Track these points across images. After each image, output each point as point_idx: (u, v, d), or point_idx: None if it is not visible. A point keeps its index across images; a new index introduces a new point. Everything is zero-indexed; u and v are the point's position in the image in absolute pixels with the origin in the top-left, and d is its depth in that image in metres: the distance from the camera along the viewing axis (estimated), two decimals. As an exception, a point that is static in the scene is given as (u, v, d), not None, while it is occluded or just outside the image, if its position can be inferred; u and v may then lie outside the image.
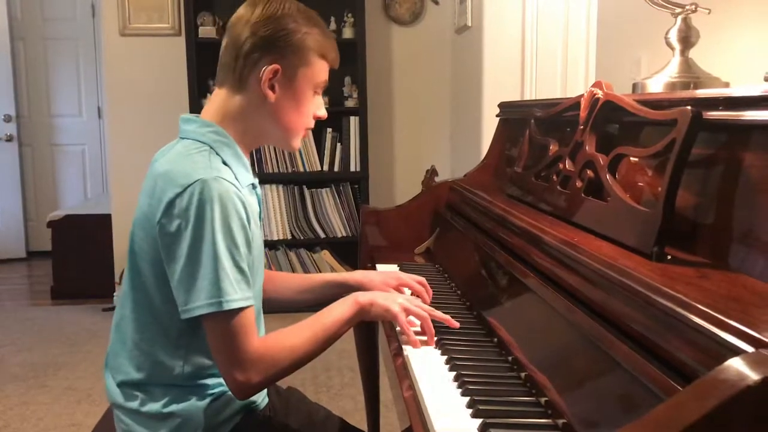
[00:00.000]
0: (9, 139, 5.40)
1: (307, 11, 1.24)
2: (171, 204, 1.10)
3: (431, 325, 1.24)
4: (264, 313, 1.36)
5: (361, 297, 1.27)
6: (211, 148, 1.18)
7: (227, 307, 1.09)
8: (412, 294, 1.45)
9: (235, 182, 1.15)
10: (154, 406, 1.19)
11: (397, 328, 1.28)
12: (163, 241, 1.12)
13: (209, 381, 1.22)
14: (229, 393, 1.23)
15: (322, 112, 1.29)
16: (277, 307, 1.53)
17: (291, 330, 1.19)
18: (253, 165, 4.15)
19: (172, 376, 1.20)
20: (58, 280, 4.37)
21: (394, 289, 1.44)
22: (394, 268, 1.81)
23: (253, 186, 1.29)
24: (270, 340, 1.16)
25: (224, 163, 1.17)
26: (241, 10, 1.23)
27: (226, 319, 1.09)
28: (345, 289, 1.47)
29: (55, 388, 2.96)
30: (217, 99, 1.24)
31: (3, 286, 4.78)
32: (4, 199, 5.44)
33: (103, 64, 4.51)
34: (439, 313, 1.27)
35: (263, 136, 1.28)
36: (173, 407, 1.19)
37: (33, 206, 5.64)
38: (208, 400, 1.21)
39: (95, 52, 5.50)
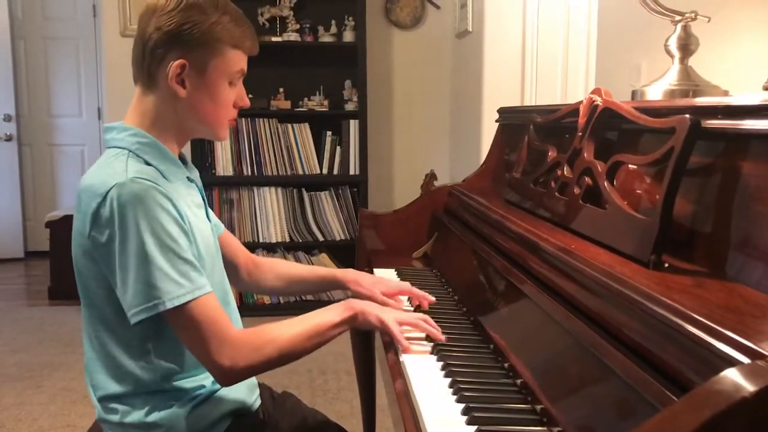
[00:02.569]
0: (8, 138, 5.39)
1: None
2: (96, 215, 1.08)
3: (431, 322, 1.25)
4: (244, 315, 1.35)
5: (355, 303, 1.26)
6: (131, 151, 1.15)
7: (171, 305, 1.06)
8: (410, 302, 1.46)
9: (158, 179, 1.12)
10: (136, 417, 1.17)
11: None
12: (98, 254, 1.10)
13: (186, 384, 1.19)
14: (213, 396, 1.21)
15: (245, 102, 1.24)
16: (259, 304, 1.55)
17: (278, 324, 1.18)
18: (252, 166, 4.08)
19: (146, 384, 1.17)
20: (56, 280, 4.36)
21: (383, 295, 1.43)
22: (391, 272, 1.81)
23: (190, 180, 1.26)
24: (254, 329, 1.15)
25: (147, 163, 1.15)
26: (150, 1, 1.18)
27: (184, 313, 1.07)
28: (333, 284, 1.50)
29: (51, 389, 2.95)
30: (135, 100, 1.21)
31: (1, 286, 4.77)
32: (2, 198, 5.43)
33: (103, 65, 4.51)
34: (430, 323, 1.26)
35: (186, 130, 1.23)
36: (155, 416, 1.16)
37: (31, 206, 5.63)
38: (189, 405, 1.18)
39: (96, 53, 5.50)
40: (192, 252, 1.12)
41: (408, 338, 1.24)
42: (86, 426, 2.35)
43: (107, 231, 1.07)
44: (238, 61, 1.20)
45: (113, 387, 1.18)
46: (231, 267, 1.45)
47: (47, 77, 5.58)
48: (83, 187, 1.13)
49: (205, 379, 1.22)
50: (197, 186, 1.29)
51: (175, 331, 1.10)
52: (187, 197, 1.21)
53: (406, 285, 1.47)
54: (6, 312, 4.14)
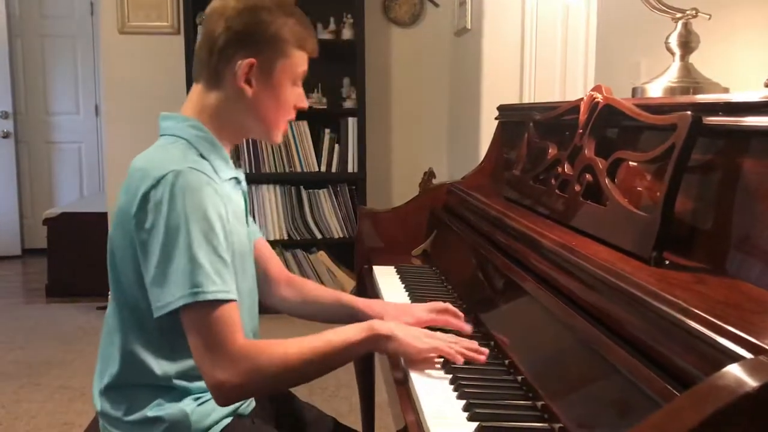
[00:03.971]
0: (6, 135, 5.38)
1: (282, 0, 1.21)
2: (145, 197, 1.08)
3: (472, 354, 1.13)
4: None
5: (379, 325, 1.16)
6: (188, 141, 1.16)
7: (202, 298, 1.04)
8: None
9: (212, 175, 1.13)
10: (139, 412, 1.15)
11: None
12: (139, 238, 1.09)
13: (195, 384, 1.18)
14: None
15: (304, 104, 1.25)
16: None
17: (289, 340, 1.11)
18: (250, 164, 4.09)
19: (157, 378, 1.16)
20: (53, 278, 4.35)
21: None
22: (391, 269, 1.81)
23: (237, 181, 1.26)
24: (261, 342, 1.10)
25: (201, 156, 1.15)
26: (216, 3, 1.20)
27: (203, 312, 1.05)
28: (352, 312, 1.37)
29: (48, 387, 2.95)
30: (194, 95, 1.22)
31: (-3, 284, 4.77)
32: (-1, 196, 5.43)
33: (101, 62, 4.51)
34: (470, 345, 1.15)
35: (243, 130, 1.25)
36: (159, 412, 1.15)
37: (29, 204, 5.62)
38: (195, 404, 1.17)
39: (93, 50, 5.49)
40: (229, 253, 1.11)
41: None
42: (84, 424, 2.35)
43: (153, 215, 1.07)
44: (302, 62, 1.22)
45: (121, 376, 1.17)
46: (263, 278, 1.40)
47: (45, 75, 5.57)
48: (136, 167, 1.13)
49: None
50: (243, 189, 1.29)
51: (185, 328, 1.07)
52: (233, 198, 1.21)
53: (437, 308, 1.33)
54: (3, 310, 4.13)
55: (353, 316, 1.36)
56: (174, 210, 1.05)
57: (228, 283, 1.08)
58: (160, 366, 1.16)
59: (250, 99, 1.19)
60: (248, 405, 1.29)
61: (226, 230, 1.11)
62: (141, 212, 1.08)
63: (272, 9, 1.18)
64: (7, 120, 5.38)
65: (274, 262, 1.45)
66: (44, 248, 4.53)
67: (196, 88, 1.22)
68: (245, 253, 1.24)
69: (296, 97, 1.24)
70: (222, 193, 1.13)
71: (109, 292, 1.20)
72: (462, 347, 1.14)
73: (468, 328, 1.28)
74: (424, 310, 1.33)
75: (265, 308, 1.37)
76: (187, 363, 1.16)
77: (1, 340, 3.55)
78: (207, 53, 1.19)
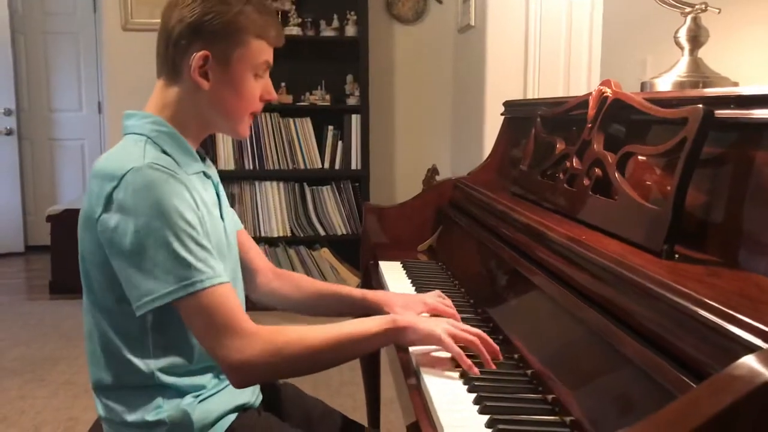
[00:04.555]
0: (8, 132, 5.38)
1: None
2: (109, 199, 1.05)
3: (491, 341, 1.12)
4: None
5: (400, 318, 1.15)
6: (149, 138, 1.13)
7: (192, 289, 1.02)
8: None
9: (175, 169, 1.10)
10: (139, 416, 1.13)
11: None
12: (104, 238, 1.06)
13: (190, 380, 1.16)
14: (217, 394, 1.18)
15: (271, 95, 1.22)
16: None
17: (306, 327, 1.09)
18: (254, 160, 4.07)
19: (148, 379, 1.13)
20: (57, 274, 4.36)
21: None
22: (396, 265, 1.81)
23: (206, 175, 1.23)
24: (275, 327, 1.08)
25: (164, 152, 1.12)
26: None
27: (199, 301, 1.03)
28: (360, 305, 1.36)
29: (53, 383, 2.95)
30: (156, 91, 1.19)
31: (1, 281, 4.76)
32: (2, 193, 5.41)
33: (103, 59, 4.51)
34: (487, 341, 1.13)
35: (207, 124, 1.21)
36: (159, 415, 1.12)
37: (32, 201, 5.62)
38: (196, 401, 1.15)
39: (96, 47, 5.49)
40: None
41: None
42: (89, 419, 2.36)
43: (119, 216, 1.04)
44: (262, 52, 1.18)
45: (113, 383, 1.15)
46: (246, 271, 1.37)
47: (47, 72, 5.57)
48: (97, 169, 1.10)
49: (205, 378, 1.18)
50: (213, 183, 1.26)
51: (186, 321, 1.06)
52: (202, 192, 1.18)
53: (442, 304, 1.32)
54: (7, 306, 4.13)
55: (356, 306, 1.35)
56: (140, 208, 1.03)
57: (215, 268, 1.06)
58: (146, 364, 1.13)
59: (208, 92, 1.15)
60: (255, 399, 1.28)
61: (200, 218, 1.09)
62: (106, 213, 1.06)
63: None
64: (10, 117, 5.38)
65: (259, 256, 1.43)
66: (47, 245, 4.54)
67: (158, 83, 1.19)
68: (222, 246, 1.20)
69: (261, 88, 1.20)
70: (189, 187, 1.10)
71: (83, 296, 1.17)
72: (480, 338, 1.13)
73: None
74: (432, 296, 1.33)
75: (252, 304, 1.34)
76: (171, 359, 1.14)
77: (5, 336, 3.55)
78: (164, 46, 1.16)
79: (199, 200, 1.13)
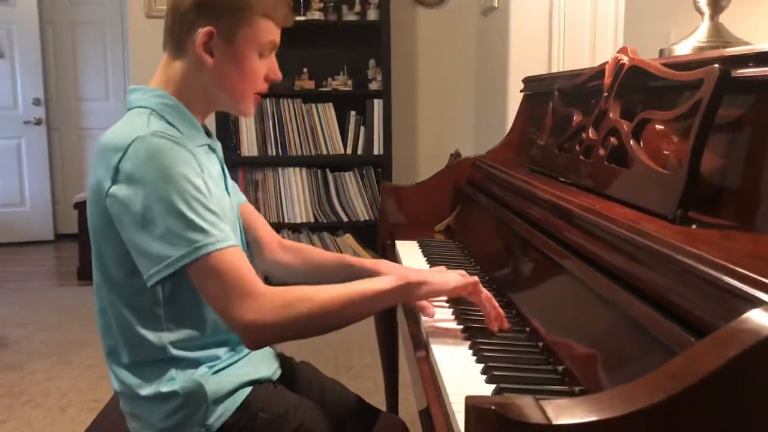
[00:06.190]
0: (38, 122, 5.46)
1: None
2: (116, 170, 1.05)
3: (496, 305, 1.13)
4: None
5: (412, 274, 1.15)
6: (153, 110, 1.13)
7: (204, 251, 1.01)
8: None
9: (179, 138, 1.09)
10: (152, 388, 1.13)
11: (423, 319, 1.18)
12: (114, 211, 1.06)
13: (202, 353, 1.16)
14: (232, 366, 1.18)
15: (277, 75, 1.21)
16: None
17: (318, 286, 1.08)
18: (277, 146, 4.05)
19: (160, 352, 1.13)
20: (84, 261, 4.42)
21: None
22: (413, 244, 1.79)
23: (211, 148, 1.23)
24: (286, 287, 1.07)
25: (169, 123, 1.12)
26: None
27: (211, 263, 1.02)
28: (359, 272, 1.34)
29: (79, 365, 2.99)
30: (161, 65, 1.19)
31: (31, 267, 4.85)
32: (33, 182, 5.51)
33: (129, 47, 4.54)
34: (494, 305, 1.14)
35: (211, 101, 1.20)
36: (173, 386, 1.12)
37: (60, 189, 5.71)
38: (208, 373, 1.15)
39: (122, 37, 5.54)
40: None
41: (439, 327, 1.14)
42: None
43: (127, 185, 1.04)
44: (269, 31, 1.17)
45: (126, 357, 1.15)
46: (253, 242, 1.39)
47: (75, 62, 5.64)
48: (103, 143, 1.10)
49: (220, 349, 1.18)
50: (218, 157, 1.26)
51: (198, 285, 1.05)
52: (207, 164, 1.17)
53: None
54: (37, 292, 4.21)
55: (358, 274, 1.33)
56: (147, 175, 1.03)
57: (225, 231, 1.06)
58: (158, 338, 1.13)
59: (211, 69, 1.15)
60: (273, 374, 1.28)
61: (207, 184, 1.09)
62: (114, 185, 1.05)
63: None
64: (39, 107, 5.46)
65: (264, 228, 1.42)
66: (75, 233, 4.60)
67: (164, 58, 1.19)
68: (228, 218, 1.19)
69: (267, 68, 1.19)
70: (195, 155, 1.10)
71: (93, 273, 1.17)
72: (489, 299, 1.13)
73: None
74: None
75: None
76: (184, 332, 1.14)
77: (34, 320, 3.61)
78: (170, 21, 1.16)
79: (205, 171, 1.13)
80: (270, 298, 1.02)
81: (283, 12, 1.18)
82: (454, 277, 1.16)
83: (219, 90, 1.18)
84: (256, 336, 1.04)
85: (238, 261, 1.04)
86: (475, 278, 1.16)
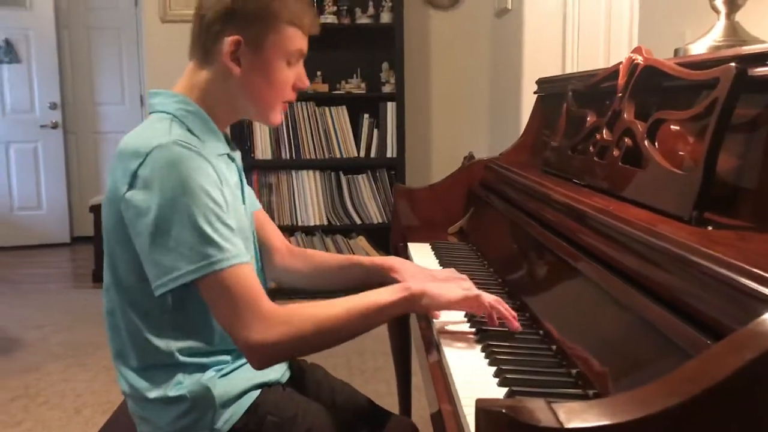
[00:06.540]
0: (54, 126, 5.51)
1: None
2: (134, 176, 1.04)
3: (502, 310, 1.11)
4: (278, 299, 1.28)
5: (413, 285, 1.14)
6: (175, 117, 1.12)
7: (218, 267, 1.01)
8: None
9: (199, 147, 1.08)
10: (160, 391, 1.13)
11: (434, 321, 1.17)
12: (128, 216, 1.06)
13: (210, 359, 1.15)
14: (240, 369, 1.18)
15: (304, 82, 1.20)
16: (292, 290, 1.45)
17: (320, 302, 1.08)
18: (290, 149, 4.06)
19: (168, 357, 1.13)
20: (100, 264, 4.42)
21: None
22: (426, 247, 1.78)
23: (231, 158, 1.22)
24: (291, 305, 1.07)
25: (189, 131, 1.11)
26: None
27: (222, 280, 1.02)
28: (370, 273, 1.36)
29: (94, 367, 3.01)
30: (187, 72, 1.18)
31: (48, 270, 4.89)
32: (49, 186, 5.56)
33: (144, 52, 4.57)
34: (502, 307, 1.13)
35: (237, 110, 1.20)
36: (180, 390, 1.12)
37: (77, 193, 5.75)
38: (216, 377, 1.14)
39: (137, 41, 5.58)
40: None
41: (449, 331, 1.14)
42: (127, 402, 2.39)
43: (144, 192, 1.03)
44: (296, 39, 1.16)
45: (134, 360, 1.15)
46: (265, 249, 1.38)
47: (91, 66, 5.69)
48: (122, 147, 1.09)
49: (228, 355, 1.18)
50: (237, 166, 1.25)
51: (207, 300, 1.05)
52: (226, 173, 1.17)
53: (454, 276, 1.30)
54: (53, 294, 4.24)
55: (368, 272, 1.35)
56: (165, 184, 1.02)
57: (238, 246, 1.05)
58: (165, 344, 1.13)
59: (239, 78, 1.14)
60: (282, 376, 1.27)
61: (225, 197, 1.09)
62: (130, 191, 1.05)
63: None
64: (56, 111, 5.51)
65: (275, 232, 1.42)
66: (91, 236, 4.63)
67: (189, 65, 1.19)
68: (245, 229, 1.20)
69: (294, 76, 1.19)
70: (214, 165, 1.09)
71: (104, 275, 1.17)
72: (496, 305, 1.12)
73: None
74: (444, 272, 1.32)
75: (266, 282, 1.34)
76: (190, 341, 1.14)
77: (50, 322, 3.64)
78: (197, 29, 1.15)
79: (223, 180, 1.13)
80: (276, 321, 1.03)
81: (309, 20, 1.18)
82: (455, 292, 1.14)
83: (246, 99, 1.18)
84: (261, 357, 1.05)
85: (247, 279, 1.04)
86: (477, 292, 1.14)
